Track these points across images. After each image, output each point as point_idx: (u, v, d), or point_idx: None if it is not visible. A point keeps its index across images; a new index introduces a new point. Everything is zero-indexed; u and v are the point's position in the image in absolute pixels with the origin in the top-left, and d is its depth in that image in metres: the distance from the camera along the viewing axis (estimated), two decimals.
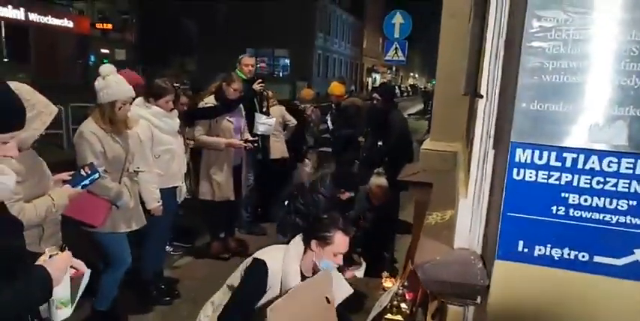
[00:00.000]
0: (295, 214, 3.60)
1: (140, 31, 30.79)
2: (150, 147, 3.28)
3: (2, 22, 20.16)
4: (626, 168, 1.25)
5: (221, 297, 2.40)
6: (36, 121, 1.92)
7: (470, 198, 1.54)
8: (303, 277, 2.31)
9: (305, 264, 2.33)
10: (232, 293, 2.31)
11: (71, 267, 1.42)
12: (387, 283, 3.28)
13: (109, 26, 29.13)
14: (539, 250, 1.35)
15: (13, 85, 1.42)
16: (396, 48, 9.88)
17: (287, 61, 35.63)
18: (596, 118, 1.25)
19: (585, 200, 1.30)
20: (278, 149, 5.31)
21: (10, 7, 20.10)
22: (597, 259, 1.31)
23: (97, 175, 2.34)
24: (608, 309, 1.31)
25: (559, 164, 1.30)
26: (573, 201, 1.31)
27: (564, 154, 1.29)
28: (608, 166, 1.27)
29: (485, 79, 1.49)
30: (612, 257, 1.30)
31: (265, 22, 30.67)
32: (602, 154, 1.27)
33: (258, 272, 2.26)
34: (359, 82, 47.39)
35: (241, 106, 4.48)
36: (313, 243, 2.31)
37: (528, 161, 1.32)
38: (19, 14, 20.71)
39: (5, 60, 20.14)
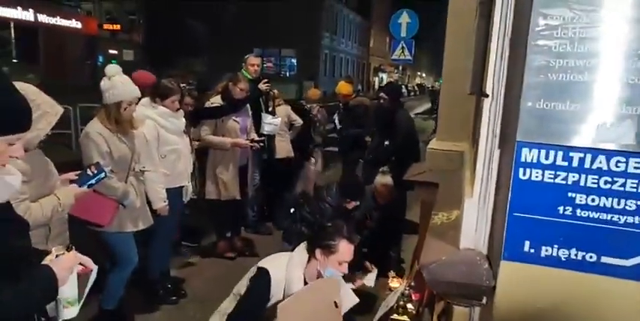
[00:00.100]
0: (301, 222, 3.61)
1: (147, 31, 30.96)
2: (156, 147, 3.29)
3: (12, 24, 20.35)
4: (635, 167, 1.24)
5: (227, 306, 2.40)
6: (41, 122, 1.93)
7: (475, 198, 1.53)
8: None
9: (309, 272, 2.32)
10: (237, 303, 2.32)
11: (79, 264, 1.43)
12: (394, 283, 3.26)
13: (117, 27, 29.35)
14: (546, 250, 1.34)
15: (19, 85, 1.42)
16: (403, 47, 9.85)
17: (294, 60, 35.66)
18: (603, 117, 1.24)
19: (593, 200, 1.29)
20: (283, 149, 5.31)
21: (19, 8, 20.30)
22: (605, 259, 1.29)
23: (103, 175, 2.35)
24: (615, 310, 1.30)
25: (566, 164, 1.29)
26: (580, 201, 1.29)
27: (571, 154, 1.28)
28: (616, 166, 1.25)
29: (491, 78, 1.48)
30: (620, 258, 1.28)
31: (272, 22, 30.72)
32: (609, 154, 1.25)
33: (262, 282, 2.26)
34: (366, 81, 47.32)
35: (248, 106, 4.48)
36: (317, 251, 2.30)
37: (534, 161, 1.31)
38: (28, 15, 20.90)
39: (15, 61, 20.33)
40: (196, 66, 28.34)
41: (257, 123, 4.76)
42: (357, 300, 2.44)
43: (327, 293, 2.17)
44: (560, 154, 1.29)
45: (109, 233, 2.89)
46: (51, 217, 2.05)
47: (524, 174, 1.32)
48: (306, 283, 2.31)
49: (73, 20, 24.05)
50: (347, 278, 2.73)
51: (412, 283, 2.85)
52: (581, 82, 1.24)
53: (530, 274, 1.35)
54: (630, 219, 1.26)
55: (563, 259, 1.32)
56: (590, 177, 1.28)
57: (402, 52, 9.89)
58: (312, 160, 5.92)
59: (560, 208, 1.31)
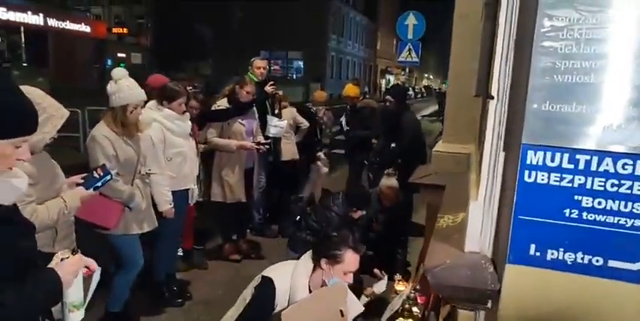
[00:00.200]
0: (307, 230, 3.61)
1: (155, 35, 31.18)
2: (162, 149, 3.30)
3: (22, 28, 20.60)
4: None
5: (233, 314, 2.39)
6: (47, 125, 1.95)
7: (481, 200, 1.52)
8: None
9: (314, 281, 2.30)
10: (241, 312, 2.31)
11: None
12: (400, 286, 3.24)
13: (125, 31, 29.59)
14: (552, 254, 1.32)
15: (25, 89, 1.43)
16: (410, 49, 9.84)
17: (300, 63, 35.72)
18: (610, 119, 1.23)
19: (599, 203, 1.27)
20: (289, 151, 5.31)
21: (29, 12, 20.54)
22: (612, 263, 1.28)
23: (109, 177, 2.36)
24: (622, 314, 1.28)
25: (572, 166, 1.27)
26: (587, 204, 1.28)
27: (577, 156, 1.27)
28: (623, 168, 1.24)
29: (496, 79, 1.47)
30: (627, 262, 1.27)
31: (279, 25, 30.81)
32: (616, 156, 1.24)
33: (266, 291, 2.25)
34: (373, 83, 47.29)
35: (254, 108, 4.50)
36: (323, 261, 2.28)
37: (540, 163, 1.30)
38: (38, 20, 21.14)
39: (25, 64, 20.56)
40: (204, 69, 28.50)
41: (263, 125, 4.77)
42: (362, 309, 2.42)
43: (333, 301, 2.15)
44: (566, 156, 1.28)
45: (114, 236, 2.91)
46: (57, 220, 2.06)
47: (529, 176, 1.31)
48: (311, 292, 2.29)
49: (82, 24, 24.30)
50: (357, 290, 2.72)
51: (418, 287, 2.83)
52: (587, 84, 1.23)
53: (535, 277, 1.34)
54: (637, 222, 1.25)
55: (569, 263, 1.31)
56: (596, 180, 1.26)
57: (409, 54, 9.88)
58: (319, 162, 5.91)
59: (566, 211, 1.30)
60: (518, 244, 1.35)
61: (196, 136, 3.76)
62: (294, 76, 34.80)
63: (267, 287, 2.26)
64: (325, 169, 6.02)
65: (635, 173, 1.23)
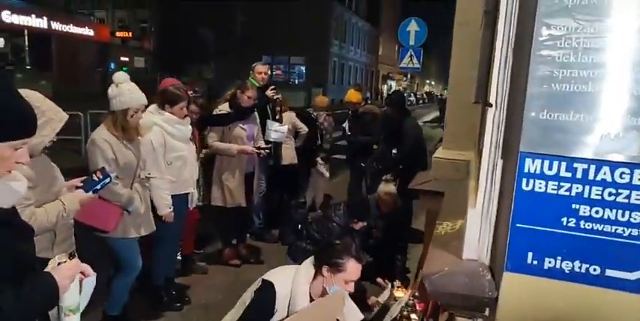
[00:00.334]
0: (307, 240, 3.62)
1: (158, 39, 31.35)
2: (162, 153, 3.31)
3: (26, 31, 20.72)
4: (639, 179, 1.22)
5: (232, 317, 2.39)
6: (46, 128, 1.96)
7: (479, 208, 1.52)
8: (312, 301, 2.28)
9: (314, 288, 2.30)
10: (240, 315, 2.30)
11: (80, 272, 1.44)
12: (398, 292, 3.23)
13: (129, 34, 29.75)
14: (549, 262, 1.32)
15: (24, 92, 1.45)
16: (411, 55, 9.88)
17: (302, 68, 35.83)
18: (608, 128, 1.23)
19: (597, 212, 1.27)
20: (288, 156, 5.32)
21: (33, 16, 20.67)
22: (609, 272, 1.27)
23: (108, 180, 2.37)
24: None
25: (569, 175, 1.27)
26: (584, 213, 1.28)
27: (575, 165, 1.27)
28: (621, 177, 1.24)
29: (495, 87, 1.47)
30: (625, 271, 1.26)
31: (281, 30, 30.94)
32: (614, 165, 1.24)
33: (266, 295, 2.24)
34: (374, 89, 47.39)
35: (255, 113, 4.51)
36: (324, 268, 2.27)
37: (538, 171, 1.30)
38: (41, 23, 21.27)
39: (28, 67, 20.66)
40: (206, 73, 28.59)
41: (264, 130, 4.78)
42: (361, 316, 2.42)
43: (330, 310, 2.14)
44: (563, 165, 1.28)
45: (113, 239, 2.91)
46: (56, 223, 2.06)
47: (527, 185, 1.31)
48: (311, 298, 2.28)
49: (86, 28, 24.45)
50: (360, 299, 2.71)
51: (417, 293, 2.82)
52: (585, 93, 1.24)
53: (533, 286, 1.34)
54: (635, 231, 1.24)
55: (567, 272, 1.30)
56: (594, 188, 1.26)
57: (411, 60, 9.92)
58: (319, 167, 5.92)
59: (564, 220, 1.29)
60: (515, 252, 1.34)
61: (196, 140, 3.77)
62: (296, 81, 34.89)
63: (267, 291, 2.25)
64: (326, 174, 6.03)
65: (633, 182, 1.23)
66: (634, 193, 1.23)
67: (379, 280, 3.42)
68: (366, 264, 3.27)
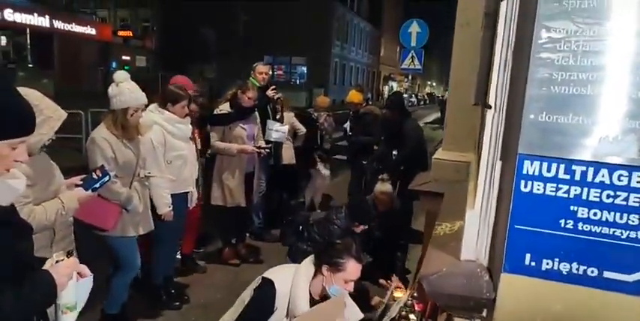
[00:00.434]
0: (307, 242, 3.62)
1: (160, 38, 31.37)
2: (162, 152, 3.32)
3: (28, 30, 20.74)
4: (637, 182, 1.23)
5: (232, 314, 2.39)
6: (44, 126, 1.96)
7: (477, 209, 1.52)
8: (312, 300, 2.28)
9: (314, 287, 2.30)
10: (239, 313, 2.30)
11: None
12: (397, 293, 3.24)
13: (131, 33, 29.76)
14: (547, 264, 1.32)
15: (22, 90, 1.45)
16: (413, 56, 9.89)
17: (304, 68, 35.84)
18: (606, 130, 1.23)
19: (595, 214, 1.27)
20: (286, 156, 5.33)
21: (35, 14, 20.69)
22: (607, 274, 1.28)
23: (107, 178, 2.38)
24: None
25: (568, 177, 1.28)
26: (582, 215, 1.28)
27: (573, 167, 1.27)
28: (619, 180, 1.24)
29: (494, 89, 1.48)
30: (623, 273, 1.26)
31: (283, 30, 30.94)
32: (612, 168, 1.24)
33: (266, 293, 2.25)
34: (376, 90, 47.38)
35: (256, 113, 4.52)
36: (324, 268, 2.28)
37: (536, 173, 1.30)
38: (44, 21, 21.29)
39: (30, 66, 20.68)
40: (208, 73, 28.61)
41: (264, 130, 4.79)
42: (361, 315, 2.42)
43: (331, 316, 2.15)
44: (562, 167, 1.28)
45: (112, 237, 2.92)
46: (55, 221, 2.07)
47: (525, 186, 1.31)
48: (311, 297, 2.29)
49: (88, 27, 24.47)
50: (363, 299, 2.71)
51: (415, 294, 2.83)
52: (584, 96, 1.24)
53: (530, 287, 1.34)
54: (633, 234, 1.25)
55: (565, 273, 1.31)
56: (592, 191, 1.27)
57: (412, 61, 9.93)
58: (319, 167, 5.92)
59: (562, 222, 1.30)
60: (513, 254, 1.35)
61: (196, 140, 3.78)
62: (298, 82, 34.89)
63: (267, 289, 2.25)
64: (326, 174, 6.03)
65: (631, 185, 1.23)
66: (632, 195, 1.23)
67: (382, 281, 3.43)
68: (367, 264, 3.28)
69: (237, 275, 4.24)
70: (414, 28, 9.53)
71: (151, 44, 31.30)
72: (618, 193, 1.25)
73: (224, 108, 4.30)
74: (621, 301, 1.26)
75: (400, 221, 4.47)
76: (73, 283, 1.40)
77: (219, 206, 4.30)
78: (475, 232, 1.53)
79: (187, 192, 3.59)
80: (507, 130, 1.43)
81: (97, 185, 2.32)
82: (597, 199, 1.26)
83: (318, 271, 2.31)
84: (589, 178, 1.26)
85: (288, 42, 31.55)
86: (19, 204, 1.77)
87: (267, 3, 30.71)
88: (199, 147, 3.94)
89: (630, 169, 1.22)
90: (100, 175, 2.33)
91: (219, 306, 3.18)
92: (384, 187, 4.28)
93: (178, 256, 4.20)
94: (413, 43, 9.69)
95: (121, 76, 2.82)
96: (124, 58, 28.81)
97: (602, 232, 1.27)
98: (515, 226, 1.34)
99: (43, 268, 1.37)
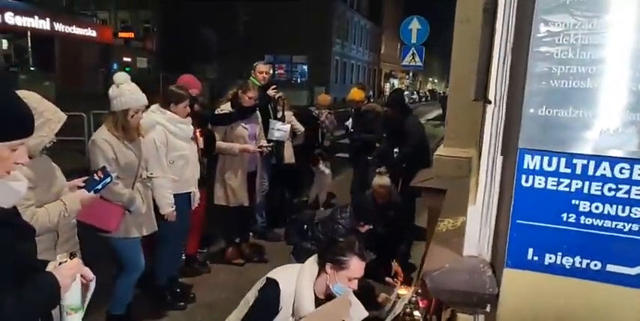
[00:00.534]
0: (312, 241, 3.63)
1: (161, 39, 31.39)
2: (164, 152, 3.33)
3: (29, 32, 20.79)
4: (639, 175, 1.22)
5: (237, 315, 2.40)
6: (44, 129, 1.97)
7: (479, 205, 1.52)
8: (316, 299, 2.28)
9: (318, 286, 2.31)
10: (245, 313, 2.31)
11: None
12: (402, 290, 3.25)
13: (131, 35, 29.80)
14: (550, 258, 1.32)
15: (21, 93, 1.46)
16: (413, 53, 9.86)
17: (305, 67, 35.82)
18: (607, 123, 1.23)
19: (597, 207, 1.27)
20: (286, 155, 5.33)
21: (36, 17, 20.73)
22: (610, 268, 1.27)
23: (109, 179, 2.38)
24: (620, 319, 1.27)
25: (569, 171, 1.27)
26: (584, 208, 1.28)
27: (574, 161, 1.26)
28: (620, 173, 1.24)
29: (493, 84, 1.47)
30: (625, 266, 1.26)
31: (283, 30, 30.92)
32: (613, 161, 1.23)
33: (271, 293, 2.25)
34: (377, 87, 47.32)
35: (257, 113, 4.52)
36: (328, 266, 2.29)
37: (537, 168, 1.30)
38: (44, 24, 21.33)
39: (32, 69, 20.74)
40: (209, 73, 28.64)
41: (266, 129, 4.79)
42: (366, 313, 2.42)
43: (336, 315, 2.15)
44: (563, 161, 1.27)
45: (115, 239, 2.93)
46: (57, 223, 2.08)
47: (526, 181, 1.31)
48: (315, 296, 2.29)
49: (89, 29, 24.51)
50: (369, 296, 2.71)
51: (419, 290, 2.83)
52: (584, 89, 1.23)
53: (533, 281, 1.34)
54: (635, 227, 1.24)
55: (567, 267, 1.30)
56: (593, 184, 1.26)
57: (413, 58, 9.90)
58: (321, 165, 5.92)
59: (564, 216, 1.29)
60: (516, 249, 1.34)
61: (197, 140, 3.79)
62: (299, 80, 34.87)
63: (272, 289, 2.26)
64: (328, 172, 6.03)
65: (633, 177, 1.23)
66: (634, 188, 1.23)
67: (388, 279, 3.43)
68: (371, 262, 3.29)
69: (241, 275, 4.25)
70: (415, 25, 9.51)
71: (152, 45, 31.33)
72: (620, 186, 1.24)
73: (225, 108, 4.31)
74: (624, 294, 1.26)
75: (400, 214, 4.47)
76: (77, 285, 1.41)
77: (222, 206, 4.31)
78: (477, 228, 1.52)
79: (190, 192, 3.59)
80: (507, 125, 1.43)
81: (99, 187, 2.32)
82: (599, 193, 1.26)
83: (321, 269, 2.32)
84: (590, 172, 1.26)
85: (289, 41, 31.52)
86: (22, 206, 1.78)
87: (267, 3, 30.69)
88: (201, 147, 3.94)
89: (631, 161, 1.22)
90: (102, 176, 2.34)
91: (224, 306, 3.19)
92: (381, 180, 4.29)
93: (183, 257, 4.20)
94: (413, 40, 9.67)
95: (121, 77, 2.83)
96: (125, 59, 28.86)
97: (605, 225, 1.27)
98: (517, 221, 1.33)
99: (47, 269, 1.37)
